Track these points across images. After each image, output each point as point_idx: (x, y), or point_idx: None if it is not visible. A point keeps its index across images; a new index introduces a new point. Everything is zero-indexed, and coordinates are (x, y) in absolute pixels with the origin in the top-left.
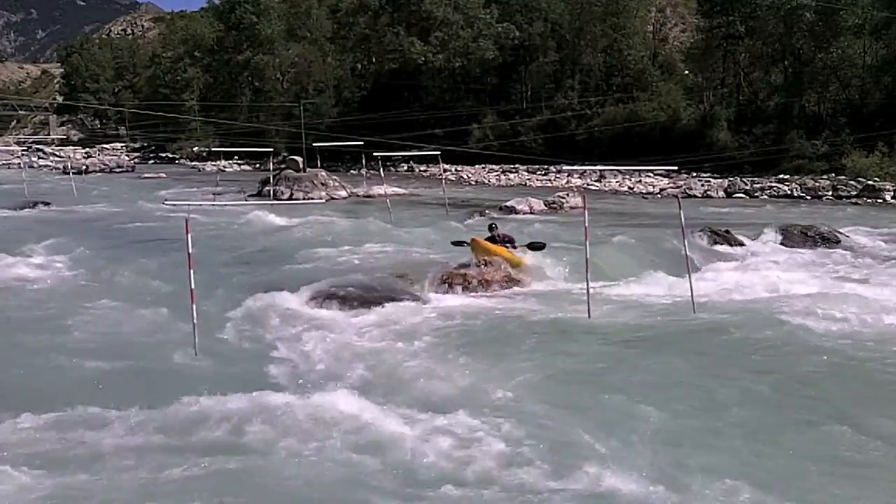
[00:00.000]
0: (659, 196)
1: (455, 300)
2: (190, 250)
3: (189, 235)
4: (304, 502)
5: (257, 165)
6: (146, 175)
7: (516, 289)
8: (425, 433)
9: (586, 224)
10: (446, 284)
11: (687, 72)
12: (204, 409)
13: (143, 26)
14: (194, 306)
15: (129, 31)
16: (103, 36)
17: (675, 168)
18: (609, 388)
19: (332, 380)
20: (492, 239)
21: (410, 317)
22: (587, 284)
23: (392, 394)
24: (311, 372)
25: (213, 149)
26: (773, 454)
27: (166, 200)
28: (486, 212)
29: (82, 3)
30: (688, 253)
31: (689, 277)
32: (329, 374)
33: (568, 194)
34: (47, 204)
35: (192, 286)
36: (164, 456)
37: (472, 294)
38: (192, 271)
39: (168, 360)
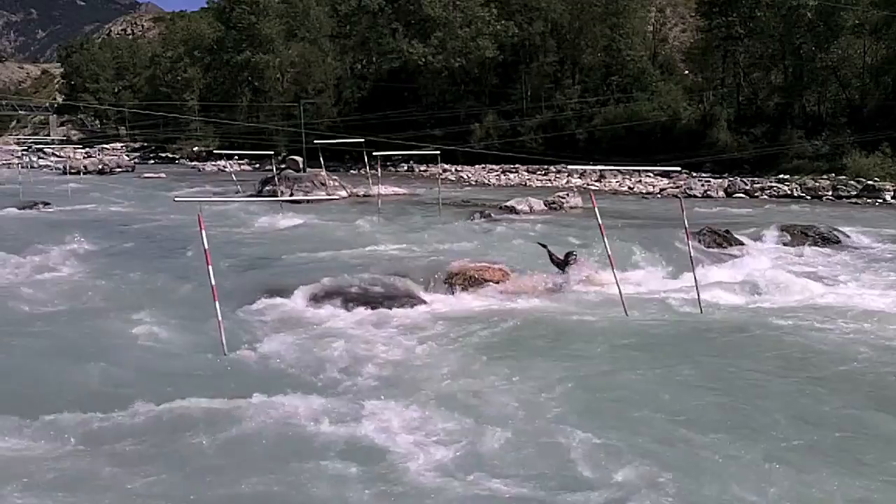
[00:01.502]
0: (659, 196)
1: (455, 299)
2: (206, 245)
3: (203, 231)
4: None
5: (257, 165)
6: (146, 175)
7: (517, 287)
8: (441, 435)
9: (600, 223)
10: (446, 284)
11: (687, 72)
12: (236, 409)
13: (143, 26)
14: (217, 304)
15: (129, 31)
16: (103, 36)
17: (679, 169)
18: (624, 390)
19: (341, 381)
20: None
21: (414, 316)
22: (617, 283)
23: (406, 397)
24: (321, 374)
25: (216, 151)
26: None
27: (176, 198)
28: (488, 212)
29: (82, 3)
30: (692, 253)
31: (695, 278)
32: (338, 376)
33: (568, 194)
34: (47, 204)
35: (213, 282)
36: (205, 458)
37: (473, 293)
38: (210, 267)
39: (199, 361)
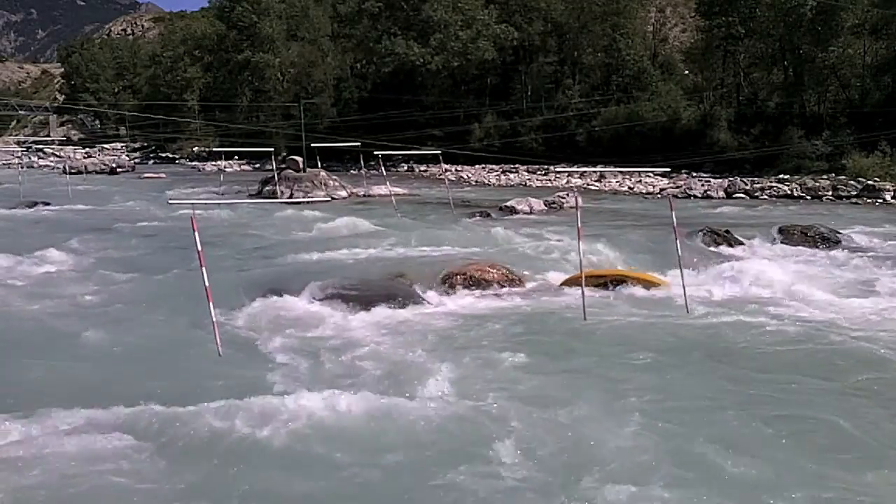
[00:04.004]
0: (659, 196)
1: (455, 300)
2: (199, 247)
3: (196, 233)
4: (317, 500)
5: (257, 165)
6: (146, 175)
7: (517, 287)
8: (431, 432)
9: (579, 225)
10: (447, 284)
11: (687, 72)
12: (232, 410)
13: (143, 26)
14: (211, 304)
15: (129, 31)
16: (103, 36)
17: (668, 169)
18: (594, 390)
19: (340, 380)
20: None
21: (413, 316)
22: (582, 287)
23: (404, 397)
24: (321, 372)
25: (216, 149)
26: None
27: (170, 200)
28: (488, 212)
29: (82, 3)
30: (679, 253)
31: (682, 278)
32: (336, 375)
33: (567, 194)
34: (47, 204)
35: (207, 284)
36: (197, 458)
37: (473, 293)
38: (204, 269)
39: (192, 362)
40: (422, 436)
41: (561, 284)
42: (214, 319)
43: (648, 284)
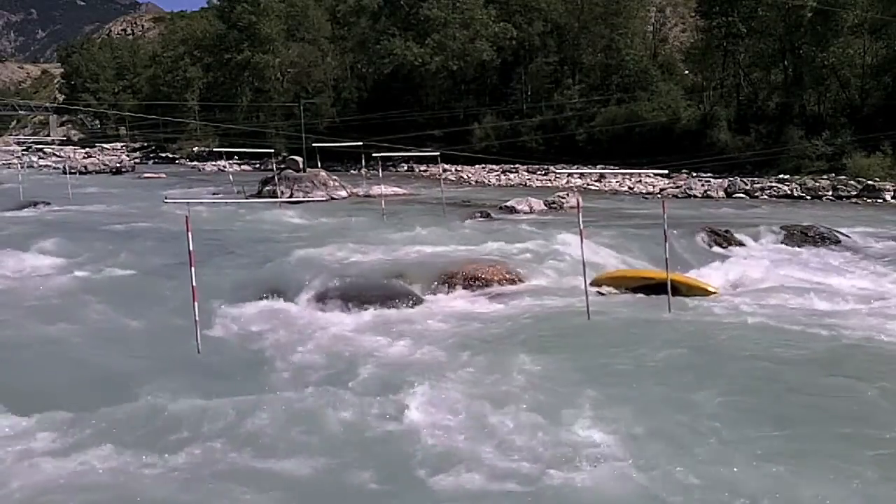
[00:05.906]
0: (658, 196)
1: (455, 299)
2: (191, 247)
3: (189, 233)
4: (304, 499)
5: (257, 165)
6: (146, 175)
7: (517, 286)
8: (424, 431)
9: (580, 226)
10: (446, 284)
11: (687, 72)
12: (207, 407)
13: (143, 26)
14: (196, 304)
15: (129, 31)
16: (103, 36)
17: (665, 172)
18: (597, 390)
19: (332, 380)
20: None
21: (411, 316)
22: (585, 286)
23: (391, 393)
24: (311, 372)
25: (216, 149)
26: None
27: (167, 199)
28: (488, 212)
29: (82, 3)
30: (667, 255)
31: (668, 278)
32: (329, 374)
33: (568, 194)
34: (47, 203)
35: (194, 283)
36: (166, 454)
37: (473, 293)
38: (192, 269)
39: (171, 358)
40: (417, 437)
41: (591, 283)
42: (197, 319)
43: (691, 289)
